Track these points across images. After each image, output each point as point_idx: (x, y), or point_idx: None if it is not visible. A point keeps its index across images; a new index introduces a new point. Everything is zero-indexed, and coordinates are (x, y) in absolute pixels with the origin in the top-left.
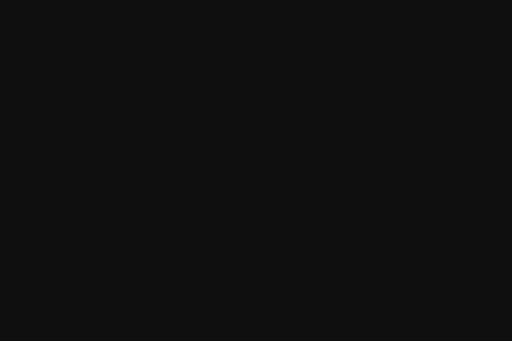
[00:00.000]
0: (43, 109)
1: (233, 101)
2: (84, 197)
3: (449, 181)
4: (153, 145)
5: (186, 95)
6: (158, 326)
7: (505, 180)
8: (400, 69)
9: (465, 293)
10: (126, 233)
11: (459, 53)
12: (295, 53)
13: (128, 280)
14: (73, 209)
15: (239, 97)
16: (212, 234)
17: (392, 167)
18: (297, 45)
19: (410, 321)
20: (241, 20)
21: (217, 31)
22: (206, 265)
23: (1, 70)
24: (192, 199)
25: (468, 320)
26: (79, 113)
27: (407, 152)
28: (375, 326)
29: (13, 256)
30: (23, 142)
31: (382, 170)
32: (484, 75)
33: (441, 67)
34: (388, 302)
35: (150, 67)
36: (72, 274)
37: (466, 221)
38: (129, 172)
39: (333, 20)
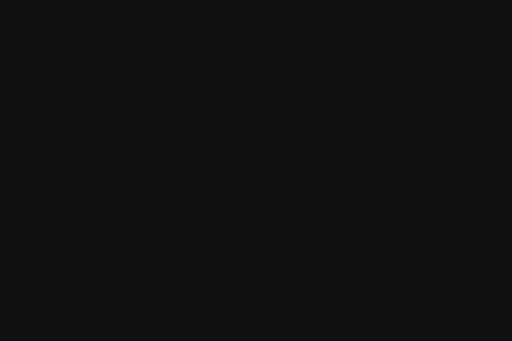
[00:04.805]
0: (43, 109)
1: (233, 101)
2: (84, 197)
3: (449, 181)
4: (153, 146)
5: (186, 95)
6: (158, 326)
7: (505, 180)
8: (400, 70)
9: (465, 293)
10: (126, 233)
11: (458, 53)
12: (295, 53)
13: (128, 281)
14: (73, 209)
15: (239, 97)
16: (212, 234)
17: (392, 167)
18: (297, 45)
19: (410, 321)
20: (241, 21)
21: (217, 31)
22: (206, 265)
23: (1, 70)
24: (192, 200)
25: (468, 320)
26: (79, 113)
27: (407, 152)
28: (375, 326)
29: (13, 256)
30: (23, 142)
31: (382, 171)
32: (484, 75)
33: (441, 67)
34: (388, 303)
35: (150, 67)
36: (72, 274)
37: (466, 221)
38: (129, 172)
39: (334, 20)
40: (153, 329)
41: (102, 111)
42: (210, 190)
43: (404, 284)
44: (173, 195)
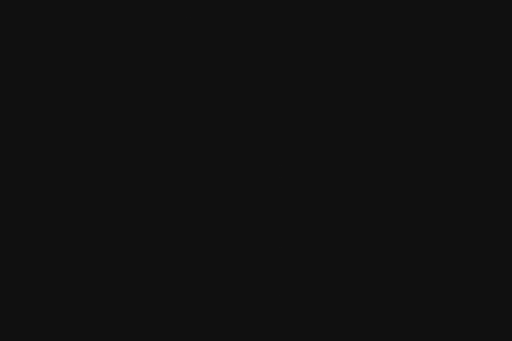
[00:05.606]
0: (43, 109)
1: (233, 101)
2: (84, 197)
3: (449, 181)
4: (153, 146)
5: (186, 95)
6: (158, 326)
7: (505, 180)
8: (400, 70)
9: (465, 293)
10: (126, 233)
11: (458, 53)
12: (295, 54)
13: (128, 281)
14: (73, 209)
15: (239, 97)
16: (212, 234)
17: (392, 167)
18: (297, 45)
19: (410, 321)
20: (241, 21)
21: (217, 31)
22: (206, 265)
23: (1, 70)
24: (192, 200)
25: (468, 320)
26: (79, 113)
27: (407, 152)
28: (375, 326)
29: (13, 256)
30: (23, 142)
31: (382, 171)
32: (484, 75)
33: (441, 67)
34: (388, 303)
35: (150, 67)
36: (72, 274)
37: (466, 221)
38: (129, 172)
39: (333, 21)
40: (154, 329)
41: (101, 111)
42: (210, 190)
43: (404, 284)
44: (173, 195)
